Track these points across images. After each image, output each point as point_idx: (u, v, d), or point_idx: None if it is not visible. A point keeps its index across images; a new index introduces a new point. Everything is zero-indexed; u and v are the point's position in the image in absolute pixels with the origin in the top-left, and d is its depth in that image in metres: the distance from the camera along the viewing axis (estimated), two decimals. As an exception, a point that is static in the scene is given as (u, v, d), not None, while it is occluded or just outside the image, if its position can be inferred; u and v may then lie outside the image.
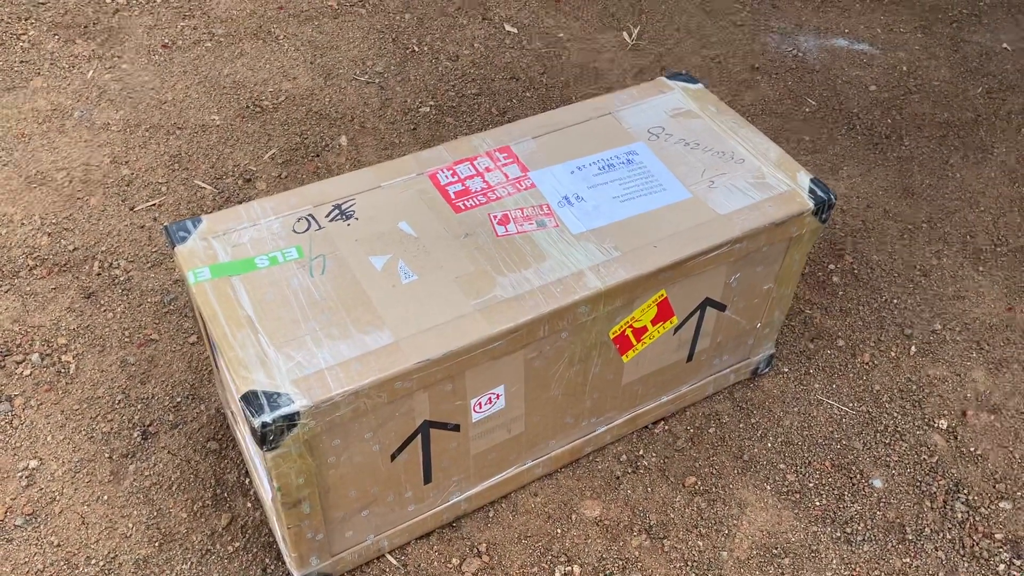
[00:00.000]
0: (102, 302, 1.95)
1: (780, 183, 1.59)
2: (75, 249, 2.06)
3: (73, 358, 1.84)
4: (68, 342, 1.87)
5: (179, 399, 1.78)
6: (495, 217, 1.49)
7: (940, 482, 1.72)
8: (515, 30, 2.82)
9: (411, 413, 1.35)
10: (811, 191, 1.57)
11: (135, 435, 1.72)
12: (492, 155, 1.62)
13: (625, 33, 2.82)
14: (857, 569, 1.58)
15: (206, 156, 2.32)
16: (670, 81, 1.82)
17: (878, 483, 1.72)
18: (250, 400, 1.19)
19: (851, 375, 1.90)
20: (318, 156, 2.34)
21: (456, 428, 1.44)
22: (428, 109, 2.51)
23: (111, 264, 2.03)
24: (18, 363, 1.82)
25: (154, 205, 2.18)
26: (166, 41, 2.68)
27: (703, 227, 1.50)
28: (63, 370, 1.82)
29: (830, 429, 1.80)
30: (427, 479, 1.48)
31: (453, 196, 1.53)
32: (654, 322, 1.55)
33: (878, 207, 2.30)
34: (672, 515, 1.65)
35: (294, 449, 1.23)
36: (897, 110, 2.60)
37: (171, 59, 2.61)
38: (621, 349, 1.55)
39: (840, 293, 2.07)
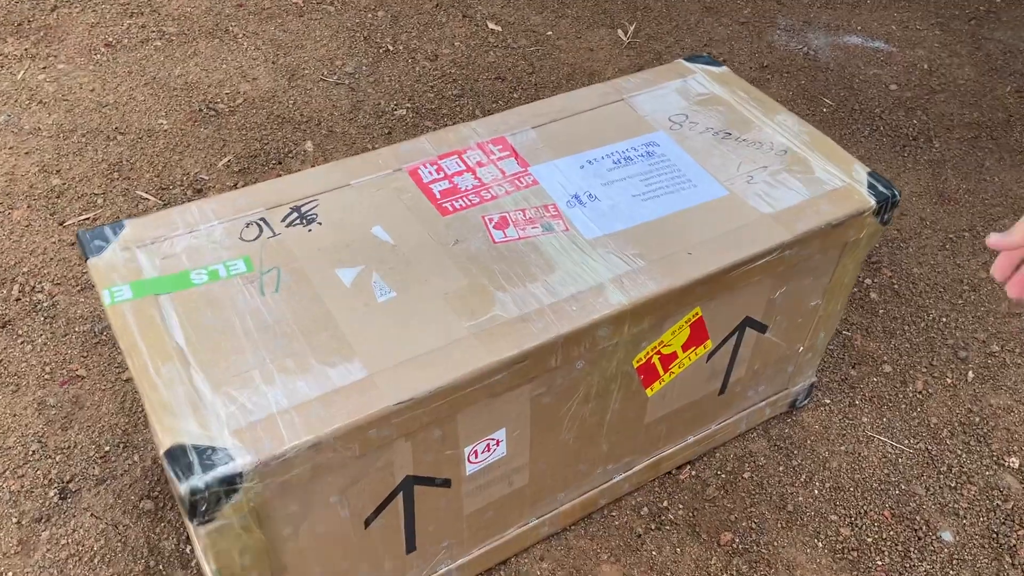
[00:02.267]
0: (20, 332, 1.64)
1: (833, 177, 1.32)
2: (-9, 271, 1.75)
3: (-20, 400, 1.53)
4: (-25, 381, 1.56)
5: (107, 448, 1.48)
6: (491, 220, 1.21)
7: (1019, 532, 1.45)
8: (499, 28, 2.56)
9: (389, 468, 1.06)
10: (871, 186, 1.31)
11: (51, 494, 1.41)
12: (485, 147, 1.34)
13: (620, 31, 2.57)
14: (935, 645, 1.30)
15: (151, 164, 2.02)
16: (689, 64, 1.56)
17: (948, 536, 1.44)
18: (176, 457, 0.89)
19: (903, 406, 1.63)
20: (280, 163, 2.06)
21: (446, 483, 1.14)
22: (404, 112, 2.23)
23: (33, 287, 1.72)
24: (-88, 407, 1.51)
25: (87, 219, 1.87)
26: (110, 40, 2.39)
27: (746, 230, 1.22)
28: (-33, 415, 1.51)
29: (885, 471, 1.53)
30: (410, 547, 1.19)
31: (439, 195, 1.25)
32: (685, 347, 1.27)
33: (913, 214, 2.04)
34: (707, 581, 1.36)
35: (236, 521, 0.93)
36: (922, 110, 2.36)
37: (114, 59, 2.32)
38: (646, 381, 1.27)
39: (881, 311, 1.81)
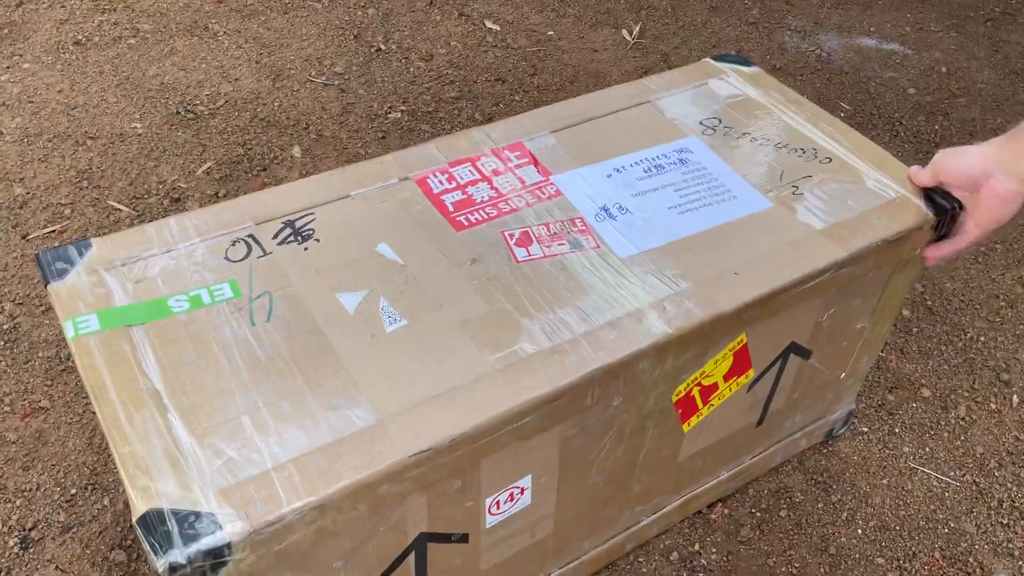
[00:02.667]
0: (-24, 358, 1.48)
1: (886, 188, 1.19)
2: (-55, 289, 1.59)
3: (-70, 436, 1.37)
4: (-75, 413, 1.40)
5: (74, 490, 1.32)
6: (511, 236, 1.07)
7: (1081, 575, 1.33)
8: (497, 27, 2.42)
9: (402, 525, 0.91)
10: (927, 197, 1.18)
11: (11, 543, 1.25)
12: (501, 154, 1.20)
13: (624, 31, 2.44)
14: None
15: (124, 171, 1.86)
16: (718, 63, 1.43)
17: (1005, 579, 1.32)
18: (151, 526, 0.74)
19: (946, 434, 1.51)
20: (265, 170, 1.90)
21: (463, 539, 1.00)
22: (399, 115, 2.09)
23: (-8, 307, 1.56)
24: None
25: (53, 232, 1.71)
26: (80, 38, 2.23)
27: (797, 246, 1.09)
28: (-86, 453, 1.35)
29: (931, 507, 1.40)
30: (421, 610, 1.04)
31: (451, 208, 1.10)
32: (727, 377, 1.14)
33: (942, 225, 1.92)
34: (748, 636, 1.22)
35: None
36: (943, 115, 2.25)
37: (85, 58, 2.16)
38: (684, 415, 1.13)
39: (915, 330, 1.68)
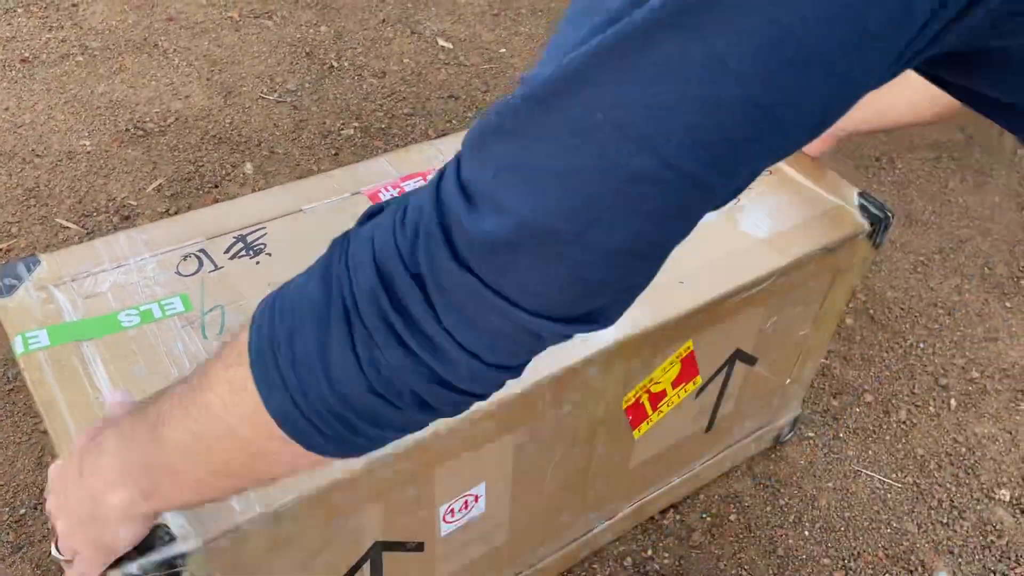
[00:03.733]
0: (-80, 379, 1.46)
1: (822, 199, 1.24)
2: None
3: None
4: None
5: (23, 510, 1.30)
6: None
7: (1017, 570, 1.38)
8: (450, 45, 2.45)
9: (357, 534, 0.92)
10: (862, 207, 1.23)
11: (-45, 567, 1.23)
12: (451, 169, 1.22)
13: (574, 48, 2.49)
14: None
15: (72, 189, 1.85)
16: None
17: (945, 576, 1.36)
18: None
19: (888, 437, 1.56)
20: (217, 187, 1.90)
21: (419, 548, 1.01)
22: (352, 131, 2.10)
23: (-63, 327, 1.53)
24: None
25: (0, 250, 1.69)
26: (26, 55, 2.20)
27: (739, 255, 1.13)
28: None
29: (875, 508, 1.44)
30: (376, 620, 1.05)
31: None
32: (675, 384, 1.17)
33: (882, 236, 1.99)
34: (700, 638, 1.25)
35: None
36: (883, 132, 2.32)
37: (31, 75, 2.14)
38: (634, 422, 1.16)
39: (858, 337, 1.73)
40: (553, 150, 0.42)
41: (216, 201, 1.86)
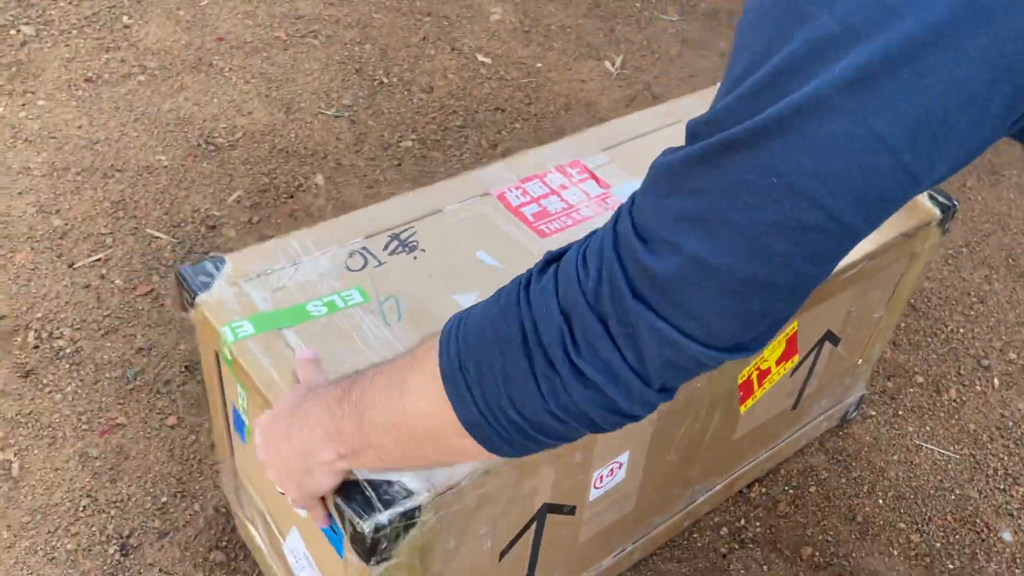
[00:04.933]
0: (45, 382, 1.53)
1: (900, 193, 1.37)
2: (2, 318, 1.63)
3: (14, 455, 1.42)
4: (4, 435, 1.44)
5: (164, 499, 1.39)
6: (592, 241, 1.20)
7: (1070, 529, 1.51)
8: (488, 60, 2.57)
9: (532, 496, 1.03)
10: (931, 197, 1.37)
11: (111, 551, 1.31)
12: (564, 171, 1.34)
13: (607, 62, 2.62)
14: (1021, 642, 1.34)
15: (156, 201, 1.93)
16: None
17: (1008, 536, 1.49)
18: (350, 495, 0.84)
19: (941, 414, 1.69)
20: (292, 197, 2.00)
21: (572, 511, 1.12)
22: (410, 143, 2.21)
23: (51, 334, 1.62)
24: (-63, 467, 1.38)
25: (99, 260, 1.77)
26: (89, 75, 2.29)
27: (837, 244, 1.25)
28: (2, 472, 1.39)
29: (938, 477, 1.58)
30: (529, 581, 1.15)
31: (531, 218, 1.23)
32: (778, 362, 1.29)
33: (913, 232, 2.14)
34: (798, 596, 1.37)
35: (406, 559, 0.89)
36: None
37: (98, 94, 2.22)
38: (743, 397, 1.28)
39: (903, 325, 1.87)
40: (733, 205, 0.52)
41: (293, 210, 1.96)
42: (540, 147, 1.40)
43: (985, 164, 2.40)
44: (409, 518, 0.85)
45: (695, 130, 0.55)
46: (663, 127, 1.47)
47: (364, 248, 1.15)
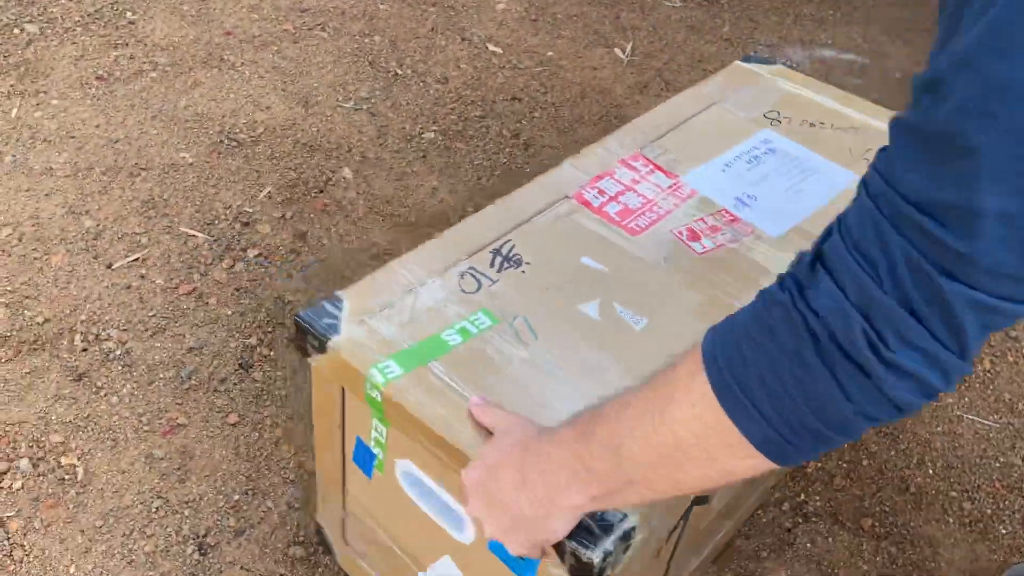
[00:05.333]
0: (99, 384, 1.51)
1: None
2: (45, 321, 1.61)
3: (78, 459, 1.40)
4: (65, 439, 1.43)
5: (236, 497, 1.38)
6: (681, 234, 1.21)
7: (1110, 491, 1.57)
8: (500, 50, 2.57)
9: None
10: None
11: (189, 551, 1.30)
12: (629, 165, 1.35)
13: (617, 50, 2.63)
14: (1079, 601, 1.39)
15: (187, 199, 1.91)
16: (748, 65, 1.63)
17: (1053, 500, 1.55)
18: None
19: (978, 385, 1.74)
20: (322, 192, 1.99)
21: (707, 501, 1.13)
22: (432, 135, 2.21)
23: (98, 335, 1.60)
24: (1, 474, 1.36)
25: (137, 260, 1.75)
26: (100, 73, 2.25)
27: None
28: (67, 476, 1.38)
29: (981, 447, 1.62)
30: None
31: (616, 217, 1.23)
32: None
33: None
34: (865, 566, 1.40)
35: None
36: None
37: (111, 92, 2.19)
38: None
39: (932, 300, 1.92)
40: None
41: (326, 205, 1.95)
42: (595, 144, 1.40)
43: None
44: (626, 539, 0.86)
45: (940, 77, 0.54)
46: (700, 112, 1.48)
47: (471, 268, 1.11)
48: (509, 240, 1.18)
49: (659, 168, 1.34)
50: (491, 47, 2.58)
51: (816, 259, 0.61)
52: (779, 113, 1.50)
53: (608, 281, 1.12)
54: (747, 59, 1.66)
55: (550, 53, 2.59)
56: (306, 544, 1.33)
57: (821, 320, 0.59)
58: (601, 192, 1.28)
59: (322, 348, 1.02)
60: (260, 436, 1.47)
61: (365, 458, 1.10)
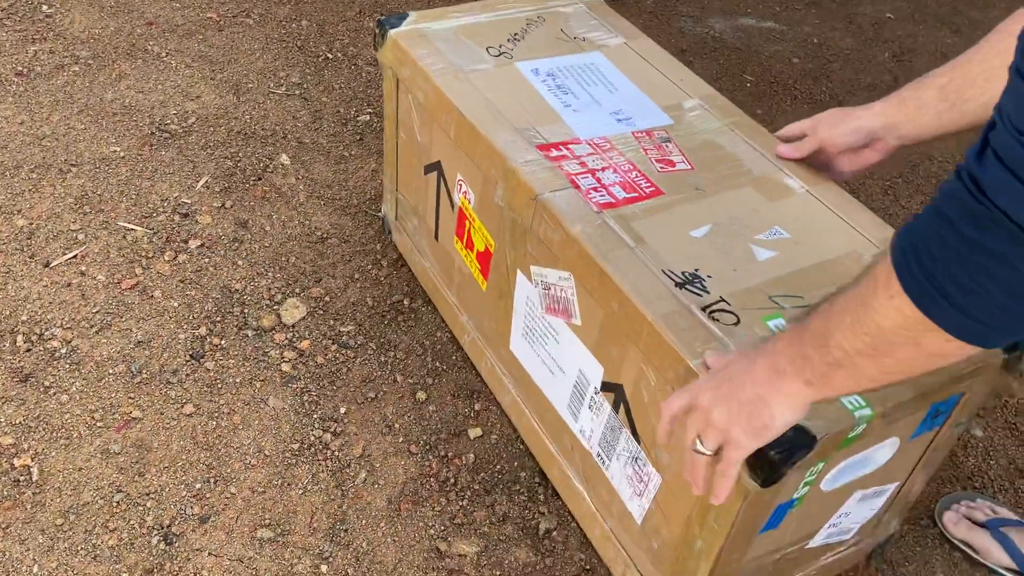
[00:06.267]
0: (47, 384, 1.49)
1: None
2: (-16, 323, 1.57)
3: (31, 460, 1.39)
4: (16, 441, 1.41)
5: (198, 485, 1.38)
6: (658, 162, 1.29)
7: (1030, 422, 1.68)
8: (429, 30, 2.57)
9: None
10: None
11: (155, 541, 1.31)
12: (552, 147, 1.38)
13: (545, 25, 2.66)
14: None
15: (122, 193, 1.88)
16: None
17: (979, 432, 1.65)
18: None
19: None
20: (260, 179, 1.98)
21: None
22: (368, 117, 2.21)
23: (41, 335, 1.57)
24: (-47, 479, 1.34)
25: (75, 257, 1.72)
26: (20, 69, 2.19)
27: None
28: (22, 478, 1.36)
29: None
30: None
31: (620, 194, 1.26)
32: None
33: (853, 168, 2.28)
34: None
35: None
36: (826, 78, 2.63)
37: (33, 88, 2.13)
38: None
39: (859, 254, 2.01)
40: None
41: (265, 192, 1.94)
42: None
43: (904, 101, 2.57)
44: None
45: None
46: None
47: None
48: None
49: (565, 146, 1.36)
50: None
51: (984, 148, 0.63)
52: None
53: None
54: None
55: (479, 31, 2.61)
56: (272, 526, 1.35)
57: (997, 206, 0.62)
58: (582, 164, 1.29)
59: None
60: (217, 424, 1.47)
61: None
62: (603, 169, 1.28)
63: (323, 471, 1.43)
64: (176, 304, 1.66)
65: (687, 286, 1.09)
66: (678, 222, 1.20)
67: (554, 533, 1.39)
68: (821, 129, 1.26)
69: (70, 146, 1.99)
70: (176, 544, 1.31)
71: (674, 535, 1.13)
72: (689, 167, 1.30)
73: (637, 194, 1.24)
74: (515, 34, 1.57)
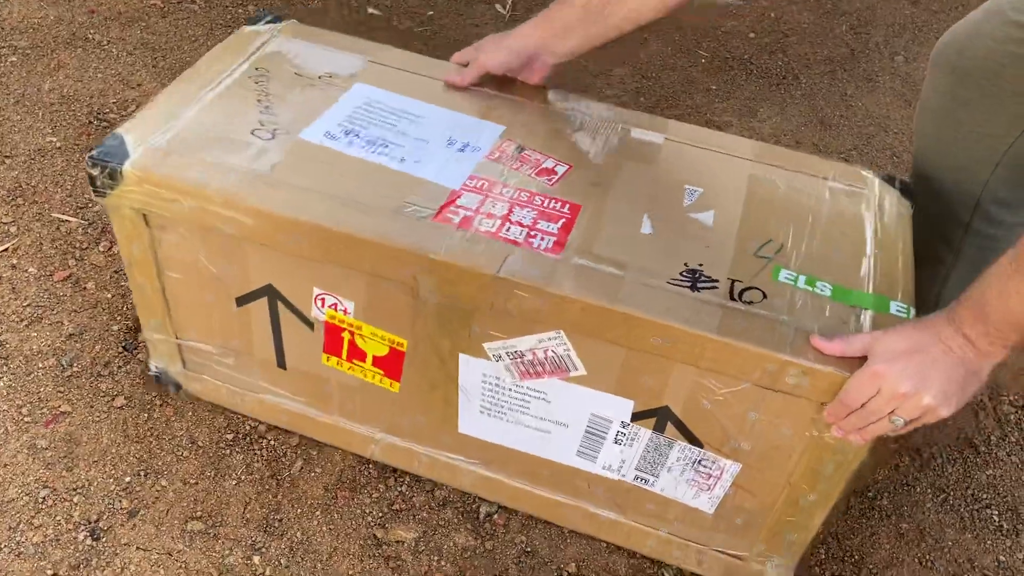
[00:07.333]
0: (-27, 379, 1.46)
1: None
2: (-90, 320, 1.53)
3: (-45, 457, 1.35)
4: (-60, 438, 1.37)
5: (128, 479, 1.35)
6: (539, 176, 1.23)
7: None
8: (379, 12, 2.53)
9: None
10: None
11: (81, 537, 1.28)
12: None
13: (498, 6, 2.63)
14: None
15: (57, 184, 1.84)
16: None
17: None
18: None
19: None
20: (201, 167, 1.93)
21: None
22: (313, 101, 2.17)
23: (-31, 330, 1.53)
24: None
25: (6, 250, 1.68)
26: (-46, 60, 2.13)
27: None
28: (-55, 476, 1.33)
29: None
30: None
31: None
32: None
33: (807, 141, 2.26)
34: None
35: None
36: (782, 52, 2.60)
37: (-32, 80, 2.08)
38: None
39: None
40: None
41: (206, 179, 1.90)
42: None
43: (861, 72, 2.56)
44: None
45: None
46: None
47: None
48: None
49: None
50: (371, 9, 2.54)
51: None
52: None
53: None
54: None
55: (430, 12, 2.57)
56: (204, 518, 1.32)
57: None
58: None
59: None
60: (150, 416, 1.44)
61: None
62: (511, 211, 1.15)
63: (258, 460, 1.40)
64: (110, 295, 1.62)
65: (698, 286, 1.06)
66: (620, 229, 1.14)
67: (495, 516, 1.37)
68: (481, 55, 1.34)
69: (4, 137, 1.94)
70: (103, 539, 1.28)
71: (766, 503, 1.16)
72: (567, 167, 1.24)
73: (564, 219, 1.14)
74: (259, 101, 1.28)
